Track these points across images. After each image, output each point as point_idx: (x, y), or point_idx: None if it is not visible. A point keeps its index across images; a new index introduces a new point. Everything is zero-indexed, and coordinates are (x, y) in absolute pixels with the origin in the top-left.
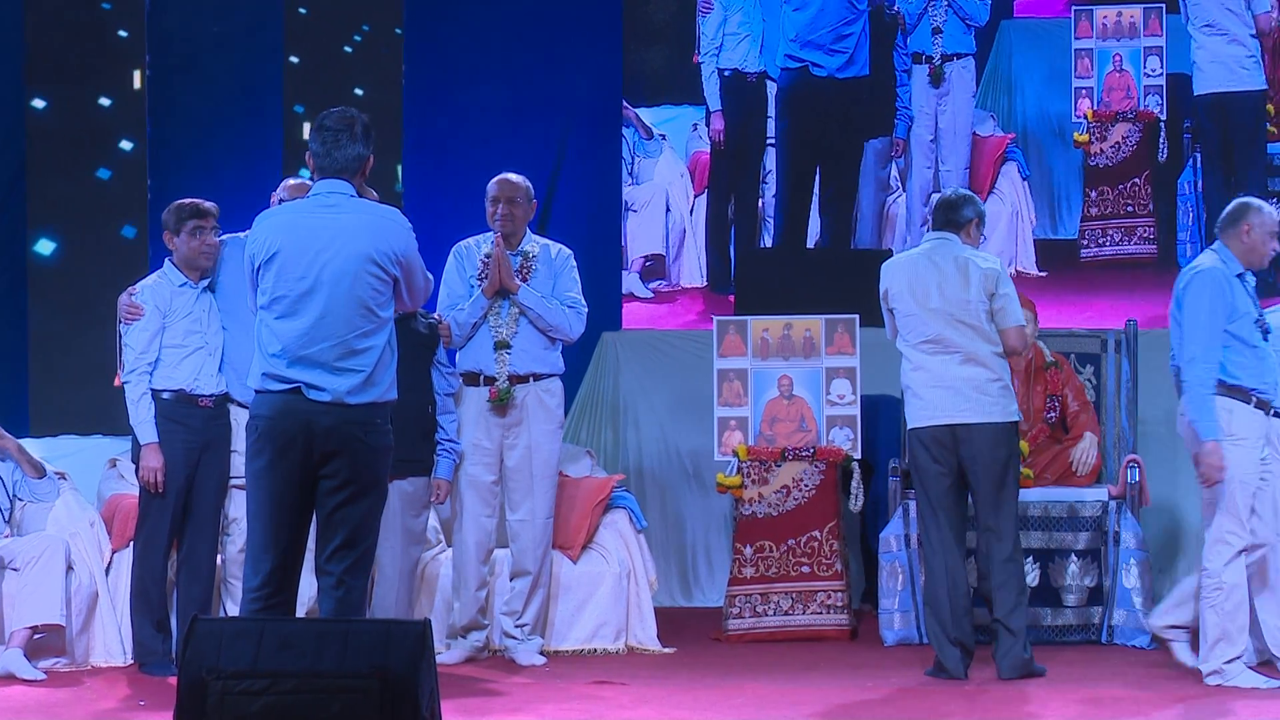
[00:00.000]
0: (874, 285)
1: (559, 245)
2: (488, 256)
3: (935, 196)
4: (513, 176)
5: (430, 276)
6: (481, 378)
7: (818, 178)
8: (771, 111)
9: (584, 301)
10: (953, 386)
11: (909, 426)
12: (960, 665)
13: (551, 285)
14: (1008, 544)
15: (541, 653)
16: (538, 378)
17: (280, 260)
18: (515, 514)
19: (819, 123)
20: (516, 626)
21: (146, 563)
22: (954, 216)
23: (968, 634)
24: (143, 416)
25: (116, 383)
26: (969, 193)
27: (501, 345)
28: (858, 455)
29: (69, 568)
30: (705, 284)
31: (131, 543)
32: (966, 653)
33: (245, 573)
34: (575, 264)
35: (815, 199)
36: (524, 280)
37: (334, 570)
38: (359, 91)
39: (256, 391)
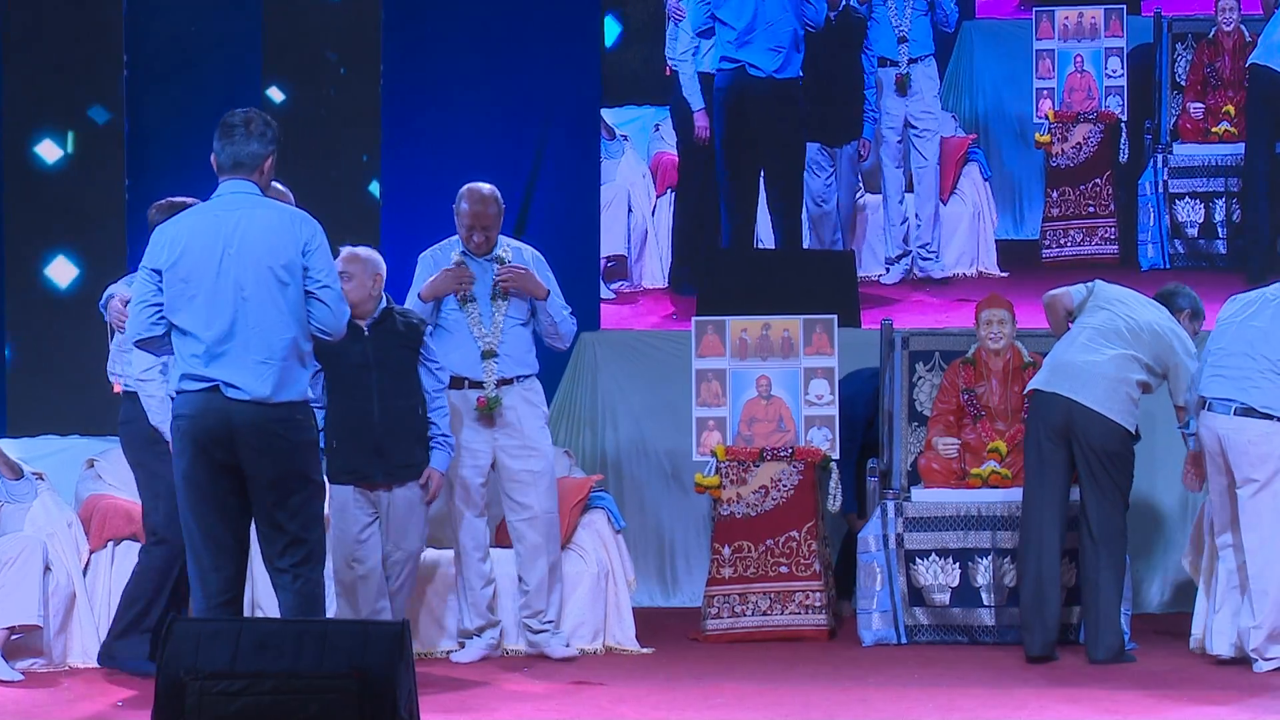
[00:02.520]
0: (840, 285)
1: (529, 247)
2: (460, 265)
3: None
4: (484, 191)
5: (346, 303)
6: (467, 382)
7: (762, 179)
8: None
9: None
10: (1088, 368)
11: (1029, 387)
12: (1034, 643)
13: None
14: (1101, 553)
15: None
16: (521, 379)
17: (188, 263)
18: (520, 514)
19: (759, 123)
20: (545, 623)
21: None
22: (1168, 303)
23: (1045, 616)
24: (166, 416)
25: (117, 389)
26: (1186, 288)
27: (489, 354)
28: (836, 455)
29: (46, 568)
30: (668, 285)
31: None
32: (1041, 631)
33: (191, 577)
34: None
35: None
36: (505, 287)
37: (285, 566)
38: (335, 58)
39: (178, 392)
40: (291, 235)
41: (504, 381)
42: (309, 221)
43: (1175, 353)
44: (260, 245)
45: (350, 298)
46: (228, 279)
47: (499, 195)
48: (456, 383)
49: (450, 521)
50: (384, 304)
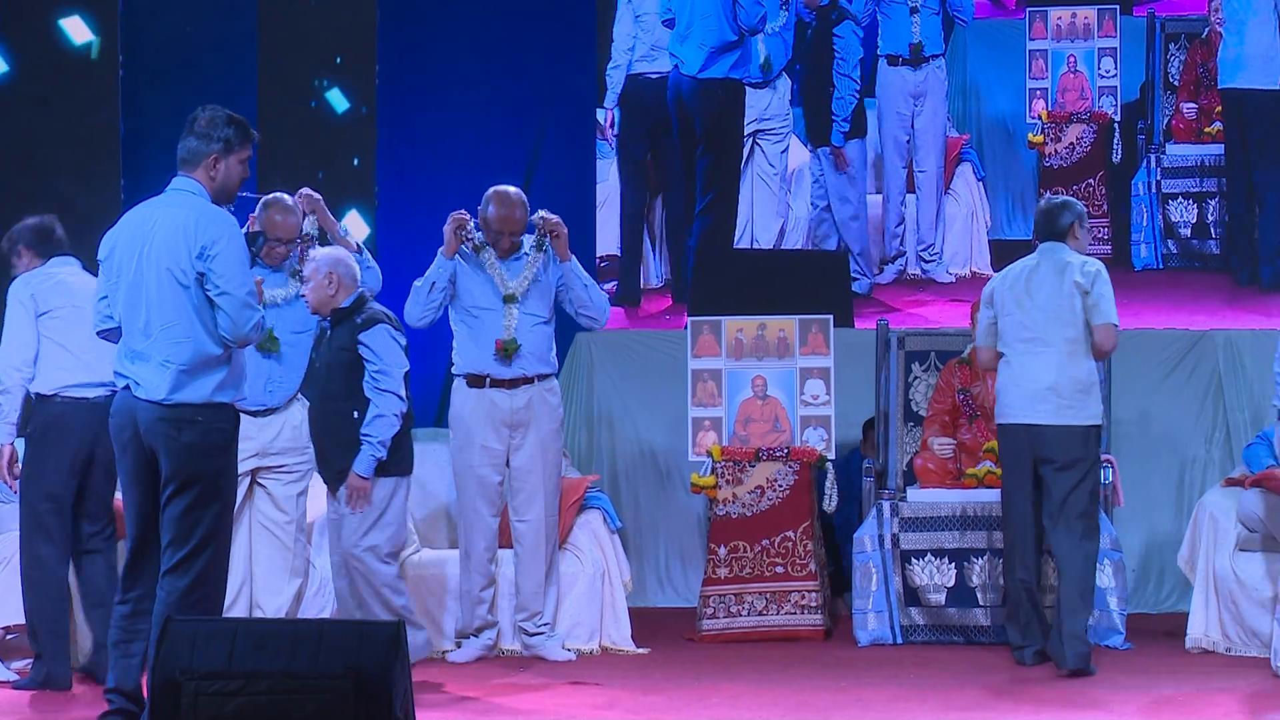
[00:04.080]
0: (832, 286)
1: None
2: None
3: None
4: (511, 195)
5: (258, 306)
6: (488, 380)
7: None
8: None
9: None
10: (1034, 387)
11: (998, 421)
12: (1021, 652)
13: (558, 275)
14: (1076, 539)
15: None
16: (542, 378)
17: (115, 259)
18: (522, 516)
19: (695, 121)
20: (542, 625)
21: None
22: (1053, 226)
23: (1036, 633)
24: None
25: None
26: (1064, 198)
27: (510, 299)
28: (831, 456)
29: None
30: (668, 290)
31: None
32: (1027, 646)
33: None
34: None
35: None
36: (545, 229)
37: (160, 570)
38: (330, 58)
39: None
40: (190, 238)
41: (525, 380)
42: (216, 224)
43: (1089, 279)
44: (162, 246)
45: (309, 301)
46: (141, 277)
47: (525, 198)
48: (476, 381)
49: (462, 519)
50: (348, 303)
